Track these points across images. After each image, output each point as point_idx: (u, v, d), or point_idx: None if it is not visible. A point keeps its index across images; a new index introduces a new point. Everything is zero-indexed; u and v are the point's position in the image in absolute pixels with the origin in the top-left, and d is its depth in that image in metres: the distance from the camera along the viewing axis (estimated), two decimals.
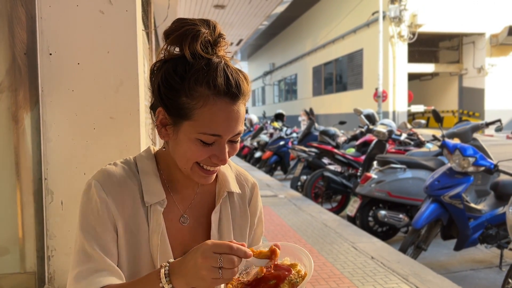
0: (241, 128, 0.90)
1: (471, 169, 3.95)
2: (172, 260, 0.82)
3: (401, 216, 4.65)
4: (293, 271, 0.82)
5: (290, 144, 9.08)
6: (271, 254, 0.83)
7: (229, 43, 0.96)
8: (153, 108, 0.95)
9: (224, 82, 0.86)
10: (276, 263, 0.84)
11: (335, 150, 6.63)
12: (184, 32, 0.88)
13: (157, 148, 1.03)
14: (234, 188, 1.04)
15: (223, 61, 0.89)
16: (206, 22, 0.90)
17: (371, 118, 7.14)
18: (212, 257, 0.76)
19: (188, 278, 0.78)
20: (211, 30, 0.89)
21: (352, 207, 5.00)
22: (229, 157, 0.92)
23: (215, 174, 0.95)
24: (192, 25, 0.88)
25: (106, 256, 0.88)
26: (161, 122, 0.93)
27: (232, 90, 0.86)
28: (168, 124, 0.92)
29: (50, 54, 1.60)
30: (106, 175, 0.93)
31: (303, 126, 12.05)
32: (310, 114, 11.34)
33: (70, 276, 0.88)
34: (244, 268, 0.86)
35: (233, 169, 1.09)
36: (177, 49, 0.90)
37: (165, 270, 0.79)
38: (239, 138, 0.93)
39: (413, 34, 18.01)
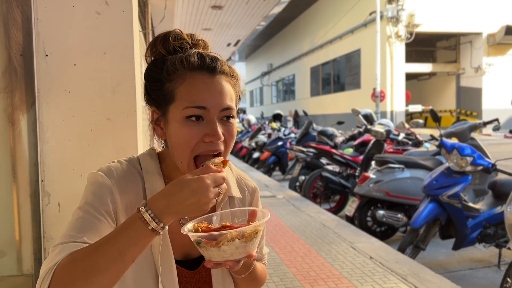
0: (229, 103, 0.91)
1: (469, 168, 3.95)
2: (144, 201, 0.80)
3: (399, 216, 4.65)
4: (250, 226, 0.86)
5: (288, 145, 9.08)
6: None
7: (211, 46, 1.00)
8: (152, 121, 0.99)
9: (197, 57, 0.91)
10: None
11: (333, 150, 6.63)
12: (156, 37, 0.96)
13: (159, 149, 1.04)
14: (235, 192, 1.05)
15: (200, 49, 0.95)
16: (188, 33, 0.98)
17: (369, 118, 7.15)
18: (213, 192, 0.79)
19: (185, 213, 0.79)
20: (188, 34, 0.97)
21: (351, 207, 5.00)
22: (225, 140, 0.90)
23: None
24: (166, 31, 0.97)
25: (95, 234, 0.85)
26: (155, 121, 0.96)
27: (207, 63, 0.91)
28: (159, 117, 0.94)
29: (46, 55, 1.60)
30: (112, 170, 0.93)
31: (289, 124, 12.18)
32: (295, 115, 11.56)
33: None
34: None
35: (234, 173, 1.09)
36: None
37: (150, 214, 0.77)
38: (234, 120, 0.92)
39: (411, 34, 18.04)
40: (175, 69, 0.90)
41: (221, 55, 0.97)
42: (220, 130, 0.88)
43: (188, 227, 0.85)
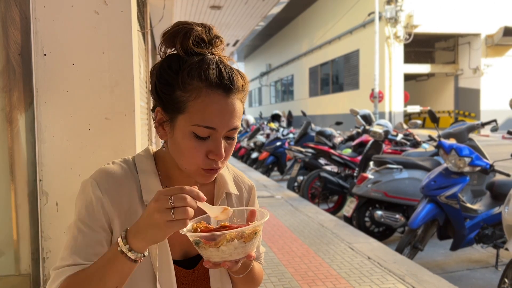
0: (237, 123, 0.90)
1: (467, 169, 3.96)
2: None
3: (397, 216, 4.66)
4: (250, 226, 0.86)
5: (286, 145, 9.08)
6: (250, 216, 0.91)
7: (225, 44, 0.97)
8: (153, 110, 0.96)
9: (216, 74, 0.87)
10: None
11: (332, 151, 6.63)
12: (177, 30, 0.90)
13: (155, 148, 1.04)
14: (232, 189, 1.05)
15: (217, 57, 0.91)
16: (202, 24, 0.92)
17: (367, 119, 7.15)
18: (162, 199, 0.75)
19: (143, 230, 0.77)
20: (206, 30, 0.91)
21: (349, 208, 5.00)
22: (226, 155, 0.91)
23: (216, 174, 0.94)
24: (186, 24, 0.91)
25: (90, 252, 0.88)
26: (158, 121, 0.94)
27: (224, 82, 0.87)
28: (165, 121, 0.93)
29: (45, 54, 1.59)
30: (104, 174, 0.94)
31: (283, 124, 12.23)
32: (289, 115, 11.76)
33: (56, 263, 0.91)
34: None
35: (230, 171, 1.10)
36: (172, 49, 0.93)
37: (121, 235, 0.80)
38: (236, 136, 0.93)
39: (409, 34, 18.06)
40: (191, 81, 0.87)
41: (235, 61, 0.96)
42: (223, 148, 0.89)
43: (186, 227, 0.86)
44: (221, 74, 0.87)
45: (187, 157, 0.89)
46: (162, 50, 0.93)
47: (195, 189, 0.78)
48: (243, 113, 0.96)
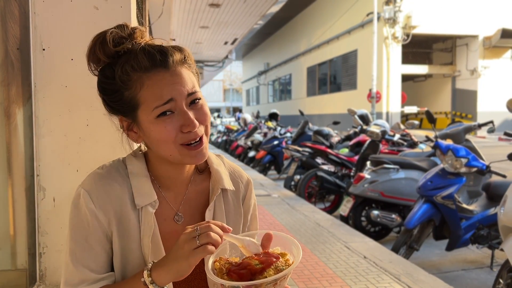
0: (193, 88, 0.90)
1: (463, 170, 3.97)
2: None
3: (393, 216, 4.67)
4: (281, 259, 0.83)
5: (284, 144, 9.08)
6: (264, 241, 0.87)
7: (146, 30, 0.96)
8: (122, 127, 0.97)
9: (146, 57, 0.88)
10: (266, 250, 0.86)
11: (329, 150, 6.64)
12: (93, 43, 0.91)
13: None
14: (228, 185, 1.04)
15: (142, 44, 0.91)
16: (116, 26, 0.93)
17: (364, 119, 7.16)
18: (190, 230, 0.81)
19: (169, 263, 0.82)
20: (120, 28, 0.92)
21: (345, 207, 5.01)
22: (201, 121, 0.91)
23: (205, 150, 0.93)
24: (99, 34, 0.91)
25: (96, 265, 0.90)
26: (127, 127, 0.95)
27: (157, 60, 0.89)
28: (130, 124, 0.94)
29: (43, 49, 1.59)
30: (94, 182, 0.93)
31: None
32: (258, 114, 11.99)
33: (62, 280, 0.91)
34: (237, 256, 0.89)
35: (226, 166, 1.09)
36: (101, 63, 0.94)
37: (147, 267, 0.84)
38: (201, 100, 0.92)
39: (407, 35, 18.09)
40: (128, 76, 0.89)
41: (166, 40, 0.96)
42: (193, 116, 0.89)
43: (210, 266, 0.83)
44: (150, 55, 0.88)
45: (164, 141, 0.89)
46: (93, 69, 0.93)
47: (220, 223, 0.84)
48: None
